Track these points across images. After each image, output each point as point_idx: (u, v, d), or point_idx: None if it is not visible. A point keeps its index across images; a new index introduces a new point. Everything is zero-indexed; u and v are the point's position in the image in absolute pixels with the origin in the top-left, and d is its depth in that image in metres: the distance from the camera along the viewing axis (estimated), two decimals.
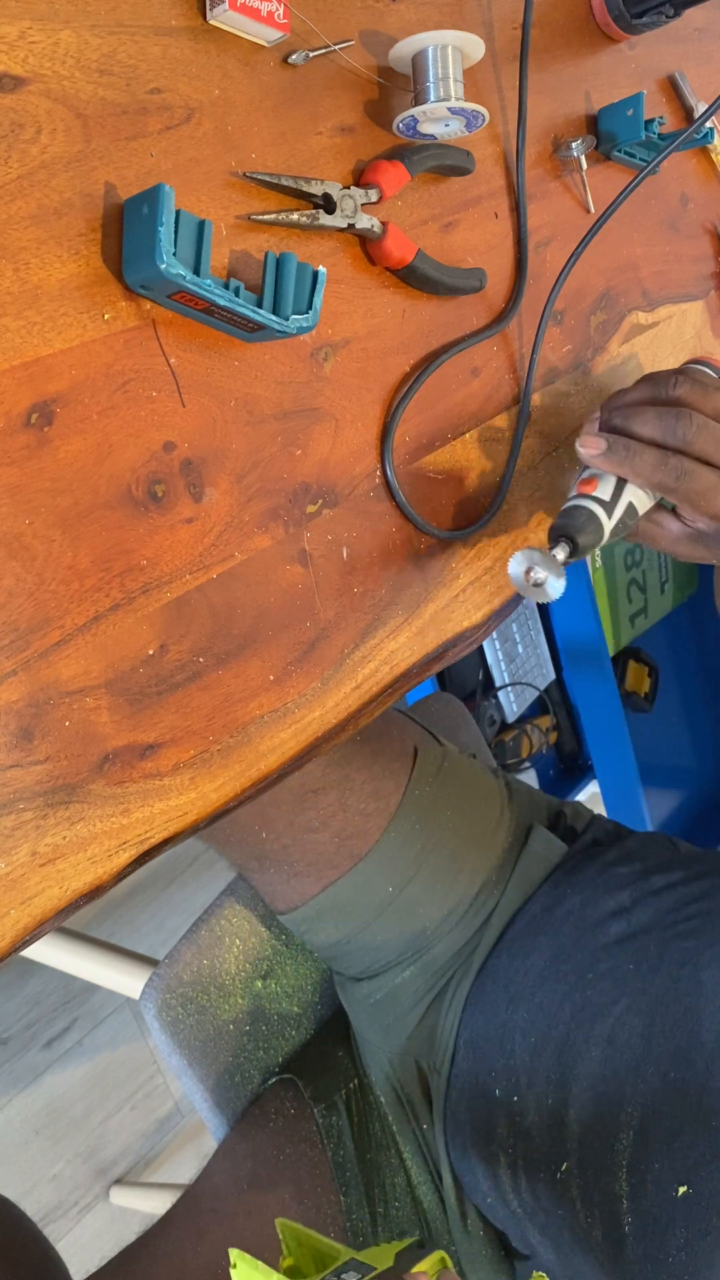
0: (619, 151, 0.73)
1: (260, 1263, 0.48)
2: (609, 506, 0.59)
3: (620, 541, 1.67)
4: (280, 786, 0.73)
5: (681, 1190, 0.62)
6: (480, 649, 1.57)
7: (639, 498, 0.60)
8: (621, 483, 0.59)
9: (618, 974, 0.72)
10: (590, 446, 0.58)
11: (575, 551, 0.57)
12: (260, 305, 0.49)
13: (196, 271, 0.46)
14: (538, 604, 0.58)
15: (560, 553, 0.57)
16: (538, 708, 1.69)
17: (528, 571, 0.56)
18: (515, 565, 0.56)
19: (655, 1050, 0.67)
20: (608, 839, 0.88)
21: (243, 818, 0.75)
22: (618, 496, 0.59)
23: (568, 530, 0.58)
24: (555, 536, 0.58)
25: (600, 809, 1.67)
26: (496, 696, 1.60)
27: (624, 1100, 0.66)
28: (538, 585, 0.56)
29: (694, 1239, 0.60)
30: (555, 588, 0.55)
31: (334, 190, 0.55)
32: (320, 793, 0.76)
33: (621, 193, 0.66)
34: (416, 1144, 0.80)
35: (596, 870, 0.82)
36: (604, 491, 0.59)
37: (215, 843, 0.80)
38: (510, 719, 1.62)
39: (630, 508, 0.59)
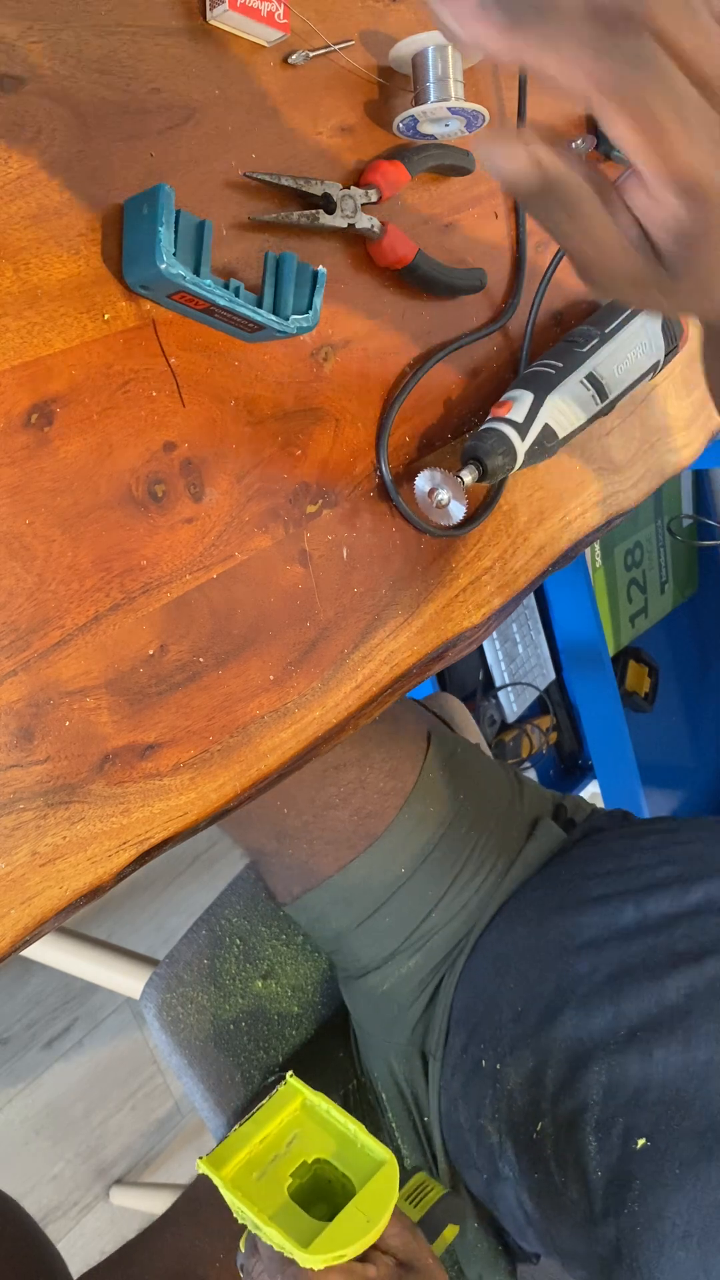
0: (619, 151, 0.73)
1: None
2: (522, 428, 0.58)
3: (620, 541, 1.67)
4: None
5: (641, 1143, 0.63)
6: (480, 649, 1.57)
7: (556, 419, 0.59)
8: (537, 404, 0.58)
9: (598, 942, 0.73)
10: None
11: (485, 474, 0.57)
12: (260, 305, 0.49)
13: (196, 272, 0.46)
14: (443, 524, 0.59)
15: (468, 475, 0.57)
16: (538, 708, 1.69)
17: (431, 492, 0.56)
18: (420, 484, 0.56)
19: (625, 1012, 0.68)
20: (609, 824, 0.89)
21: (266, 796, 0.76)
22: (532, 418, 0.58)
23: (477, 452, 0.58)
24: (465, 459, 0.58)
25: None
26: (496, 696, 1.60)
27: (592, 1060, 0.68)
28: (441, 506, 0.56)
29: (647, 1190, 0.62)
30: (458, 510, 0.56)
31: (334, 190, 0.55)
32: (341, 769, 0.77)
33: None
34: (416, 1138, 0.81)
35: (589, 847, 0.84)
36: (518, 413, 0.59)
37: (235, 825, 0.81)
38: (510, 719, 1.62)
39: (547, 429, 0.59)
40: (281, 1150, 0.53)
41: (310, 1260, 0.48)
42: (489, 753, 1.09)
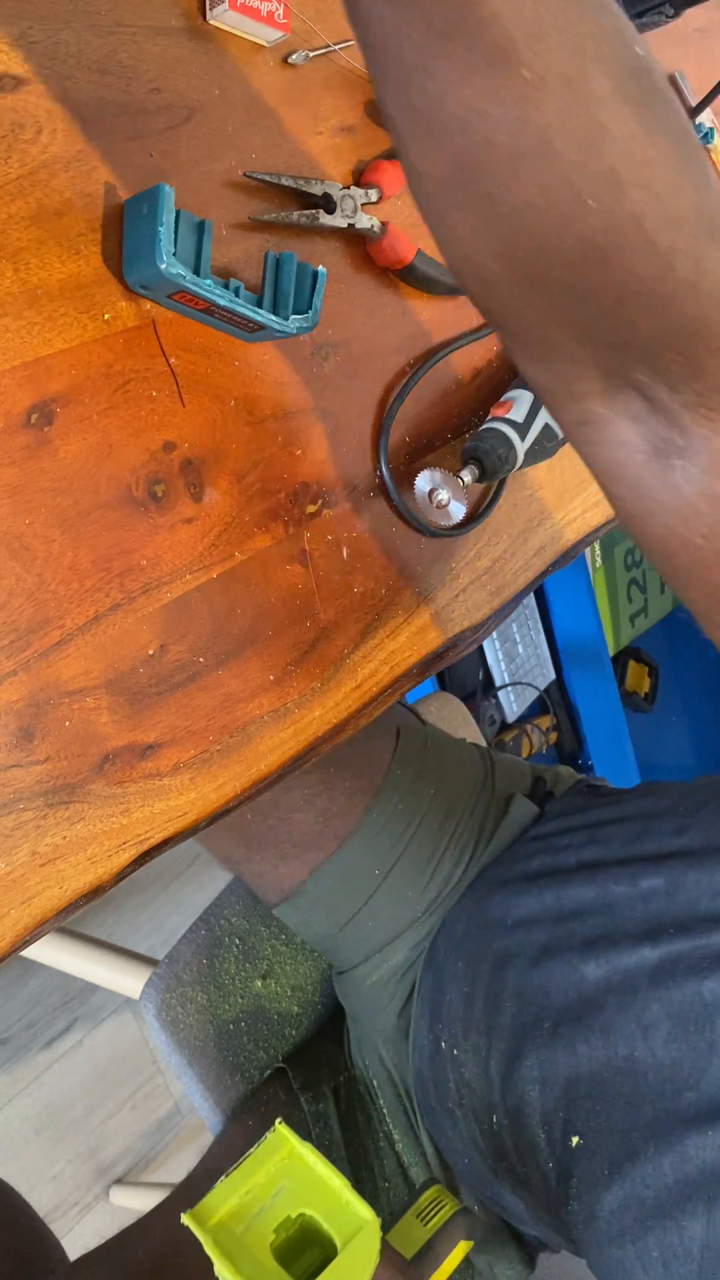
0: None
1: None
2: (522, 428, 0.58)
3: (620, 541, 1.67)
4: None
5: (575, 1140, 0.62)
6: (480, 649, 1.57)
7: None
8: (537, 404, 0.58)
9: (528, 922, 0.72)
10: None
11: (484, 474, 0.57)
12: (260, 305, 0.49)
13: (196, 271, 0.46)
14: (443, 524, 0.59)
15: (468, 475, 0.57)
16: (538, 708, 1.69)
17: (431, 492, 0.56)
18: (420, 484, 0.56)
19: (553, 1003, 0.67)
20: (588, 793, 0.88)
21: None
22: (532, 418, 0.58)
23: (477, 452, 0.58)
24: (465, 458, 0.58)
25: None
26: (496, 696, 1.60)
27: (525, 1052, 0.67)
28: (441, 506, 0.56)
29: (584, 1189, 0.61)
30: (458, 510, 0.56)
31: (334, 190, 0.55)
32: (304, 772, 0.76)
33: None
34: (408, 1124, 0.81)
35: (545, 822, 0.83)
36: (518, 413, 0.59)
37: (201, 838, 0.80)
38: (510, 719, 1.62)
39: (547, 429, 0.59)
40: (267, 1202, 0.51)
41: None
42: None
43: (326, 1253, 0.50)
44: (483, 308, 0.39)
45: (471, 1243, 0.61)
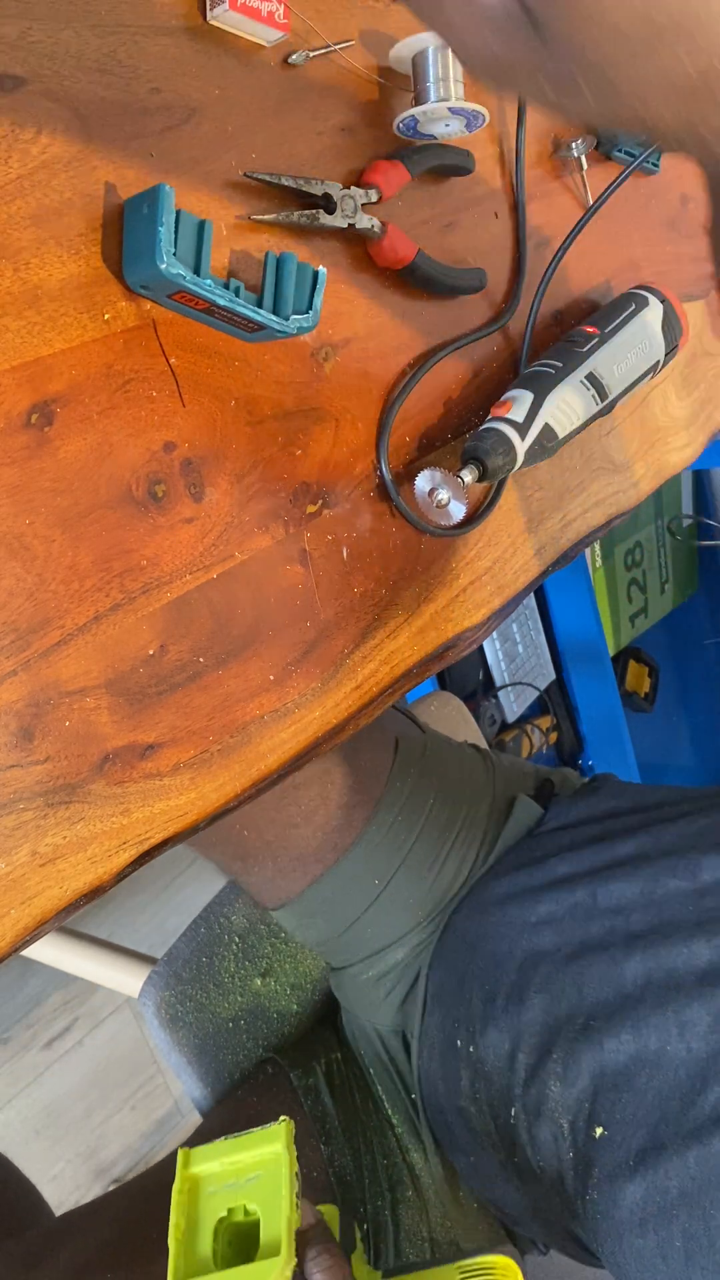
0: (619, 151, 0.73)
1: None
2: (522, 428, 0.58)
3: (620, 541, 1.67)
4: None
5: (599, 1131, 0.63)
6: (480, 649, 1.57)
7: (556, 419, 0.59)
8: (537, 404, 0.58)
9: (559, 921, 0.72)
10: None
11: (485, 474, 0.58)
12: (260, 305, 0.49)
13: (196, 271, 0.46)
14: (443, 524, 0.59)
15: (468, 475, 0.57)
16: (538, 708, 1.69)
17: (431, 492, 0.56)
18: (420, 484, 0.57)
19: (586, 999, 0.68)
20: (587, 793, 0.88)
21: (222, 819, 0.75)
22: (532, 418, 0.59)
23: (477, 452, 0.58)
24: (465, 458, 0.58)
25: None
26: (496, 696, 1.60)
27: (554, 1045, 0.67)
28: (441, 506, 0.56)
29: (604, 1179, 0.62)
30: (458, 510, 0.56)
31: (334, 190, 0.55)
32: (302, 787, 0.76)
33: (611, 184, 0.66)
34: (406, 1112, 0.81)
35: (560, 823, 0.83)
36: (518, 413, 0.59)
37: (198, 846, 0.80)
38: (510, 719, 1.62)
39: (547, 429, 0.59)
40: (240, 1182, 0.52)
41: None
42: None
43: (247, 1256, 0.50)
44: None
45: None
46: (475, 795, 0.85)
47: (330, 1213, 0.63)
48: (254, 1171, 0.52)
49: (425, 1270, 0.62)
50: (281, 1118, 0.53)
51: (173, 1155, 0.55)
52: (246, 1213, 0.51)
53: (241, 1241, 0.50)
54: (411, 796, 0.81)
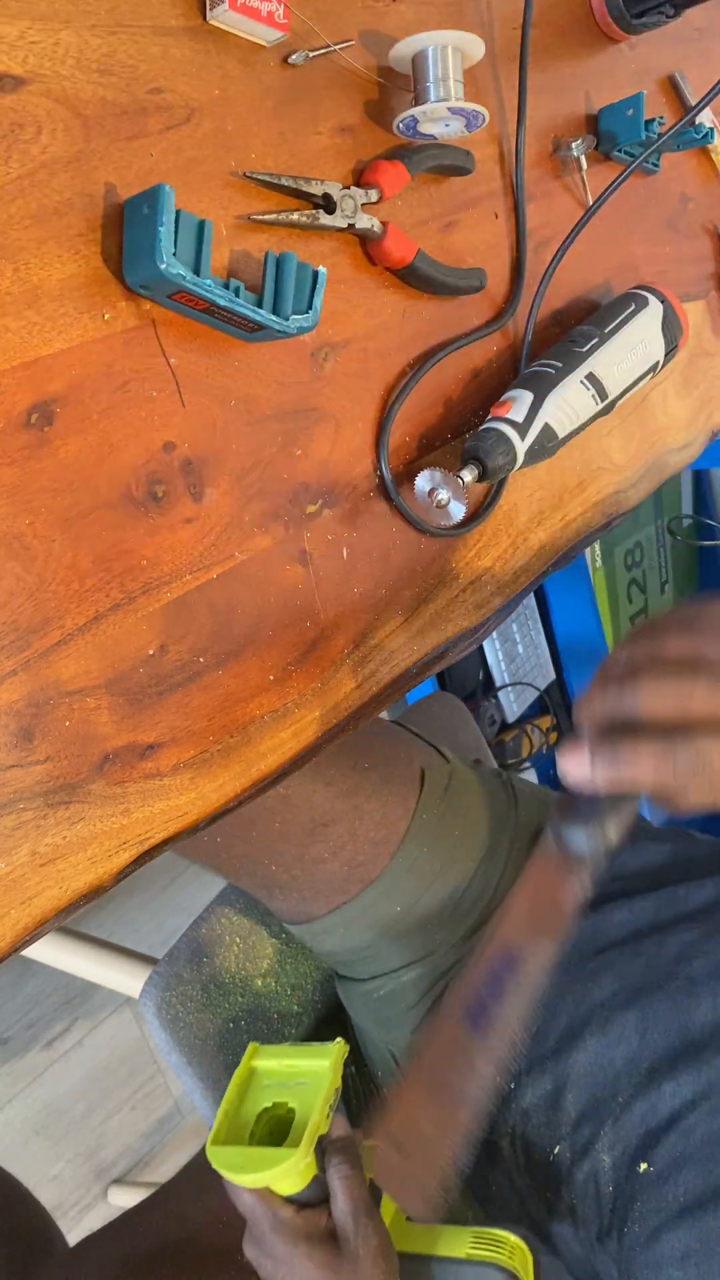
0: (619, 151, 0.73)
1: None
2: (522, 428, 0.59)
3: (620, 541, 1.67)
4: (289, 821, 0.73)
5: (644, 1167, 0.64)
6: (480, 649, 1.57)
7: (556, 419, 0.59)
8: (537, 404, 0.58)
9: (618, 967, 0.72)
10: (571, 765, 0.44)
11: (485, 474, 0.58)
12: (260, 305, 0.49)
13: (196, 271, 0.46)
14: (443, 524, 0.59)
15: (468, 475, 0.57)
16: (538, 708, 1.69)
17: (431, 492, 0.57)
18: (420, 484, 0.57)
19: (649, 1043, 0.68)
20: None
21: (252, 851, 0.76)
22: (532, 418, 0.59)
23: (477, 452, 0.58)
24: (465, 458, 0.58)
25: None
26: (496, 696, 1.60)
27: (618, 1089, 0.68)
28: (441, 506, 0.56)
29: (648, 1212, 0.62)
30: (458, 510, 0.56)
31: (334, 190, 0.55)
32: (330, 825, 0.76)
33: (611, 184, 0.66)
34: None
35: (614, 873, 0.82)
36: (518, 413, 0.59)
37: (224, 873, 0.81)
38: (510, 719, 1.62)
39: (547, 429, 0.59)
40: (289, 1083, 0.61)
41: (212, 1153, 0.58)
42: (489, 754, 1.09)
43: (277, 1143, 0.59)
44: None
45: None
46: (498, 825, 0.85)
47: (373, 1149, 0.67)
48: (303, 1078, 0.61)
49: (443, 1227, 0.65)
50: (337, 1039, 0.62)
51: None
52: (288, 1109, 0.60)
53: (277, 1131, 0.60)
54: (437, 830, 0.81)
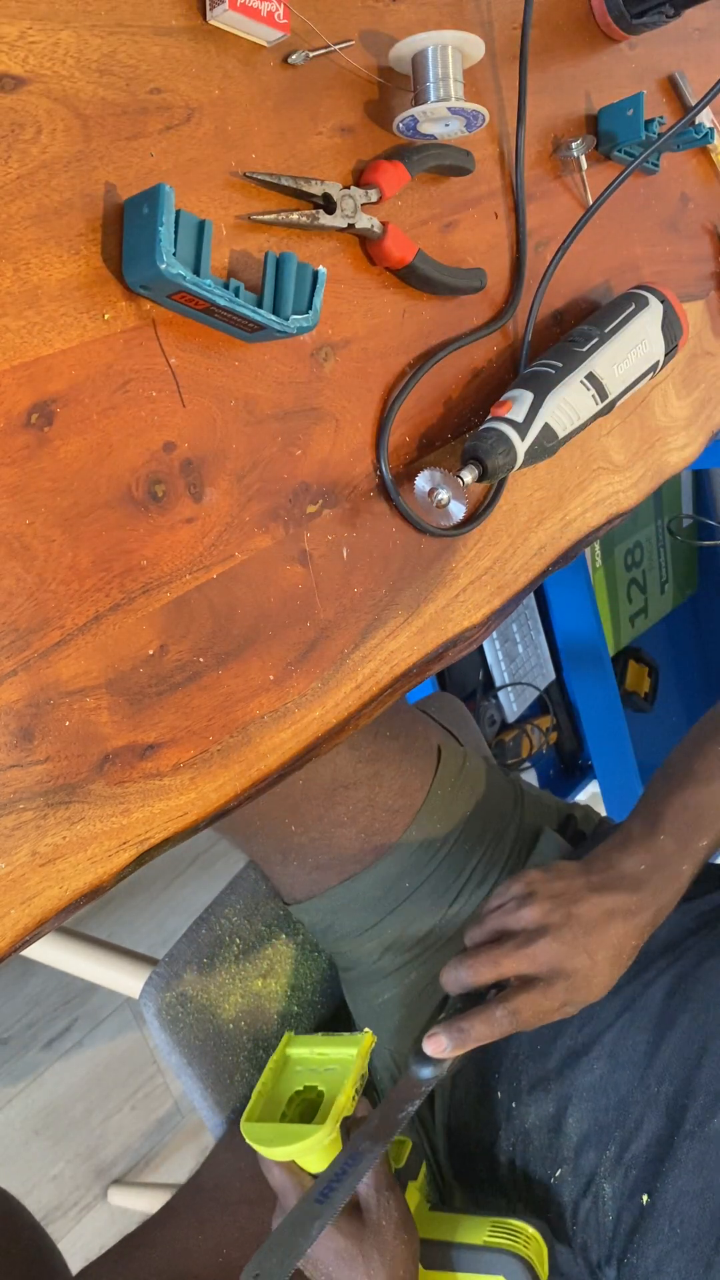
0: (619, 151, 0.73)
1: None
2: (522, 428, 0.59)
3: (620, 541, 1.67)
4: (312, 781, 0.74)
5: (645, 1198, 0.64)
6: (480, 649, 1.57)
7: (556, 419, 0.60)
8: (537, 404, 0.59)
9: (625, 990, 0.71)
10: (431, 1046, 0.61)
11: (485, 474, 0.58)
12: (260, 305, 0.49)
13: (196, 271, 0.46)
14: (443, 524, 0.59)
15: (468, 474, 0.57)
16: (538, 708, 1.69)
17: (431, 492, 0.57)
18: (420, 484, 0.57)
19: (656, 1067, 0.67)
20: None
21: (273, 812, 0.77)
22: (532, 418, 0.59)
23: (477, 452, 0.58)
24: (465, 458, 0.58)
25: (600, 809, 1.67)
26: (496, 696, 1.60)
27: (625, 1115, 0.67)
28: (441, 506, 0.57)
29: (647, 1244, 0.63)
30: (458, 510, 0.56)
31: (334, 190, 0.55)
32: (351, 788, 0.77)
33: (611, 184, 0.66)
34: (417, 1134, 0.81)
35: None
36: (517, 413, 0.59)
37: (240, 835, 0.81)
38: (510, 719, 1.62)
39: (547, 429, 0.59)
40: (320, 1068, 0.66)
41: (246, 1128, 0.62)
42: (489, 754, 1.09)
43: (307, 1123, 0.63)
44: None
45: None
46: (504, 818, 0.86)
47: (403, 1142, 0.71)
48: (332, 1064, 0.66)
49: (463, 1215, 0.68)
50: (365, 1030, 0.67)
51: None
52: (317, 1093, 0.65)
53: (307, 1112, 0.65)
54: (449, 806, 0.81)
